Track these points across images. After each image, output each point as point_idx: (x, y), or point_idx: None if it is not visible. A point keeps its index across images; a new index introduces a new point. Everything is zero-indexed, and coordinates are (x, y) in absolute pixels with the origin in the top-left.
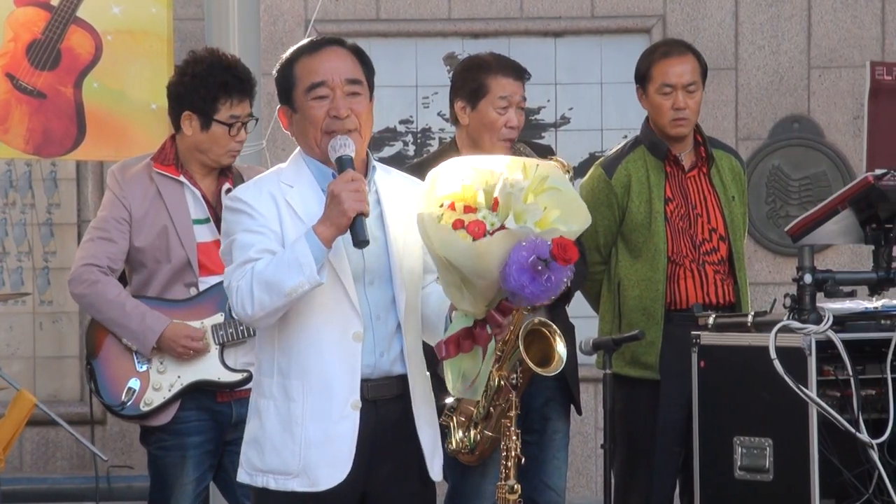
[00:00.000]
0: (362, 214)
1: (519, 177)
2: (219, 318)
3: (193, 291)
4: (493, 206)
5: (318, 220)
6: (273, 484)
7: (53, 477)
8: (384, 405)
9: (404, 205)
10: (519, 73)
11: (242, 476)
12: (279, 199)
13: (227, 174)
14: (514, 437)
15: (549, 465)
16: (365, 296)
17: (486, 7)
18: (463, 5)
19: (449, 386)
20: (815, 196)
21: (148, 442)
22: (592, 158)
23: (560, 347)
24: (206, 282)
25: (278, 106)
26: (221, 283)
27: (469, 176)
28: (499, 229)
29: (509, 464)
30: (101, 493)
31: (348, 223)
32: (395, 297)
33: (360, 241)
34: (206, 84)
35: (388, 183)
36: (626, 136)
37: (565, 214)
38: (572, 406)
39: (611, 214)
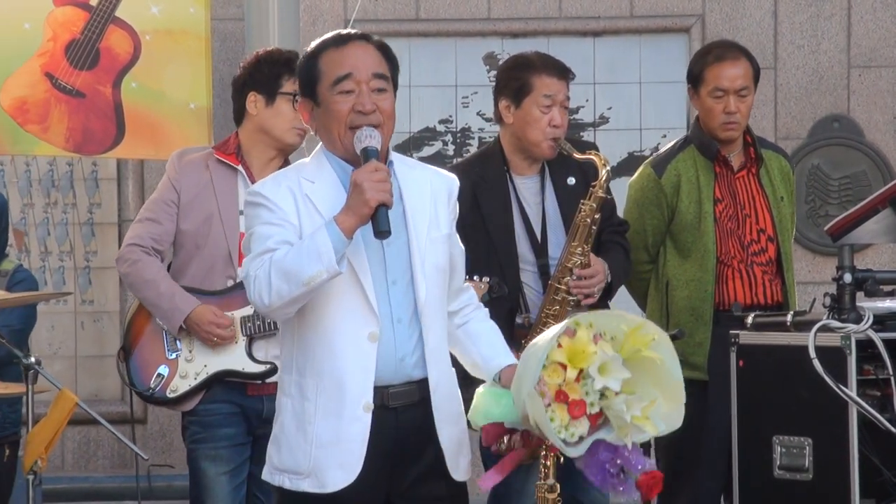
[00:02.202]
0: (385, 205)
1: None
2: (249, 310)
3: (230, 283)
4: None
5: (341, 209)
6: (287, 483)
7: (95, 476)
8: (406, 411)
9: (428, 199)
10: (563, 73)
11: (265, 473)
12: (298, 193)
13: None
14: None
15: None
16: (387, 297)
17: (525, 7)
18: (502, 5)
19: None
20: (854, 195)
21: (186, 438)
22: (631, 158)
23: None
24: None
25: (299, 101)
26: None
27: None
28: (596, 416)
29: (549, 462)
30: (142, 493)
31: (370, 213)
32: (417, 298)
33: (381, 232)
34: (270, 62)
35: (412, 177)
36: (664, 136)
37: (664, 398)
38: None
39: (660, 214)
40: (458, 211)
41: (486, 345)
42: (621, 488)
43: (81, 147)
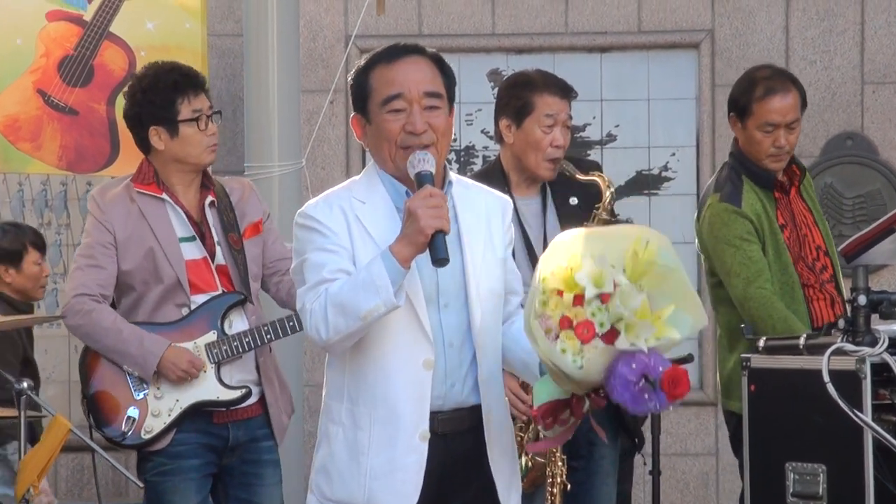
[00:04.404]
0: (441, 232)
1: (623, 279)
2: (212, 336)
3: (185, 311)
4: (603, 299)
5: (396, 238)
6: None
7: (89, 503)
8: (455, 438)
9: (483, 221)
10: (565, 91)
11: (312, 502)
12: (349, 214)
13: (209, 186)
14: (559, 463)
15: (598, 492)
16: (438, 320)
17: (530, 22)
18: (507, 20)
19: None
20: (869, 215)
21: (145, 470)
22: (639, 176)
23: None
24: (197, 301)
25: (352, 114)
26: (212, 300)
27: (577, 255)
28: (609, 333)
29: (555, 490)
30: None
31: (426, 241)
32: (470, 322)
33: (439, 260)
34: (157, 92)
35: (467, 198)
36: (673, 154)
37: (679, 307)
38: (623, 432)
39: (757, 240)
40: (512, 234)
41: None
42: (647, 396)
43: (75, 166)
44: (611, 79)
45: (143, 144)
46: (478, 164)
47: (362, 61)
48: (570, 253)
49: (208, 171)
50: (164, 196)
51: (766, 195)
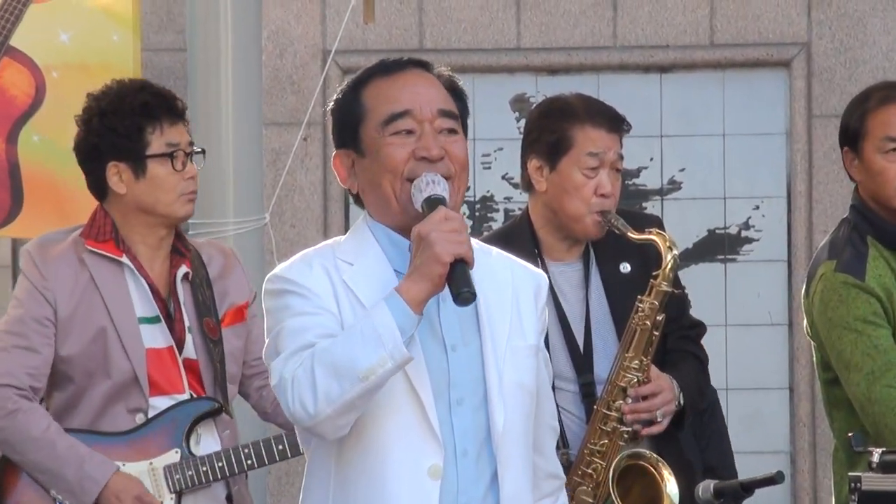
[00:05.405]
0: (463, 261)
1: None
2: (173, 455)
3: (140, 419)
4: None
5: (404, 275)
6: None
7: None
8: None
9: (509, 297)
10: (615, 123)
11: None
12: (335, 277)
13: (184, 253)
14: None
15: None
16: (449, 421)
17: (567, 32)
18: (536, 31)
19: None
20: None
21: None
22: (712, 237)
23: (671, 487)
24: (157, 405)
25: (334, 152)
26: (177, 406)
27: None
28: None
29: None
30: None
31: (444, 273)
32: (490, 424)
33: (463, 294)
34: (120, 116)
35: (487, 267)
36: (757, 208)
37: None
38: None
39: (886, 323)
40: (546, 320)
41: None
42: None
43: None
44: (674, 107)
45: (99, 186)
46: (498, 221)
47: (349, 81)
48: None
49: (182, 232)
50: (125, 259)
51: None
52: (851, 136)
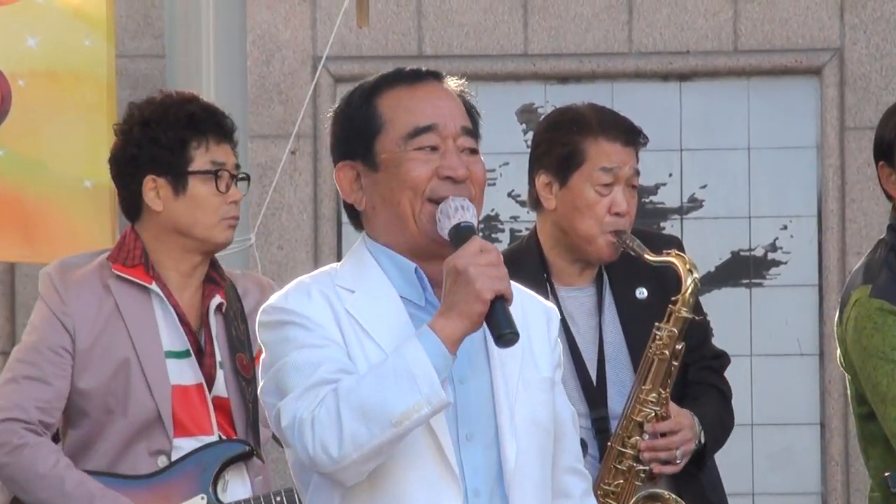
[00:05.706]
0: (503, 298)
1: None
2: (199, 502)
3: (163, 461)
4: None
5: (437, 311)
6: None
7: None
8: None
9: (520, 328)
10: (631, 136)
11: None
12: (337, 306)
13: (219, 283)
14: None
15: None
16: (458, 458)
17: (578, 37)
18: (545, 35)
19: None
20: None
21: None
22: (736, 259)
23: None
24: (182, 447)
25: (338, 164)
26: (205, 449)
27: None
28: None
29: None
30: None
31: (484, 311)
32: (503, 462)
33: (506, 336)
34: (166, 125)
35: None
36: (784, 228)
37: None
38: None
39: None
40: (560, 354)
41: None
42: None
43: None
44: (695, 118)
45: (133, 203)
46: (503, 243)
47: (360, 86)
48: None
49: (217, 261)
50: (154, 287)
51: None
52: (887, 150)
